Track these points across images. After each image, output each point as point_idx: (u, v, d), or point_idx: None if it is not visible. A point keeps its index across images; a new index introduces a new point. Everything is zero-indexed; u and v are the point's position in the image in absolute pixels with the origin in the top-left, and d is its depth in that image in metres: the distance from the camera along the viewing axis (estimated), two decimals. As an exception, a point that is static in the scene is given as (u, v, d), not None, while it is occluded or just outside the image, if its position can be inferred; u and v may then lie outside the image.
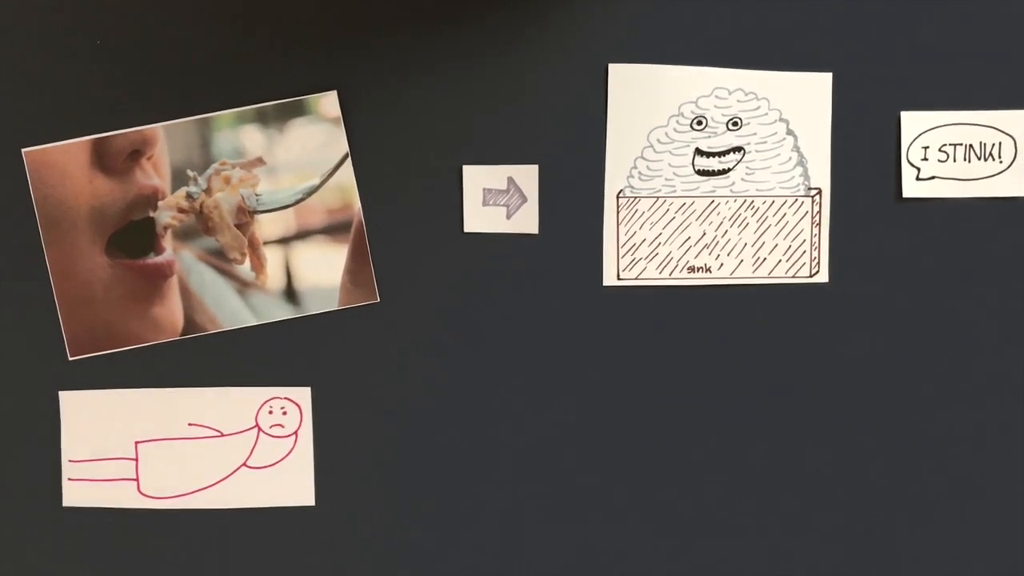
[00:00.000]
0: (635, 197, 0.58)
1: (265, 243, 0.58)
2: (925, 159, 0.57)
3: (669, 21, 0.57)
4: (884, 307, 0.58)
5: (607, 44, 0.57)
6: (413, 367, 0.59)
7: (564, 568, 0.60)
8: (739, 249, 0.58)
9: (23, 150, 0.57)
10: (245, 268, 0.58)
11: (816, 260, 0.58)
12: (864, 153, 0.58)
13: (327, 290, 0.58)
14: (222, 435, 0.59)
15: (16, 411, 0.59)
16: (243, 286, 0.58)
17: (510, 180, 0.58)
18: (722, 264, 0.58)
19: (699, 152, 0.58)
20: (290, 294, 0.58)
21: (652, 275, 0.58)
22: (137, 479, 0.60)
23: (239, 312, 0.58)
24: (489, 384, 0.59)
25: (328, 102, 0.57)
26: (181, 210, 0.58)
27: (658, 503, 0.60)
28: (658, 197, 0.58)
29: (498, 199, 0.58)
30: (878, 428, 0.59)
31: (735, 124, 0.57)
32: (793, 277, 0.58)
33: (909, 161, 0.57)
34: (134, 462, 0.59)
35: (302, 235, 0.58)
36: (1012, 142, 0.57)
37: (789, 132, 0.58)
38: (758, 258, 0.58)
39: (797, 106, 0.57)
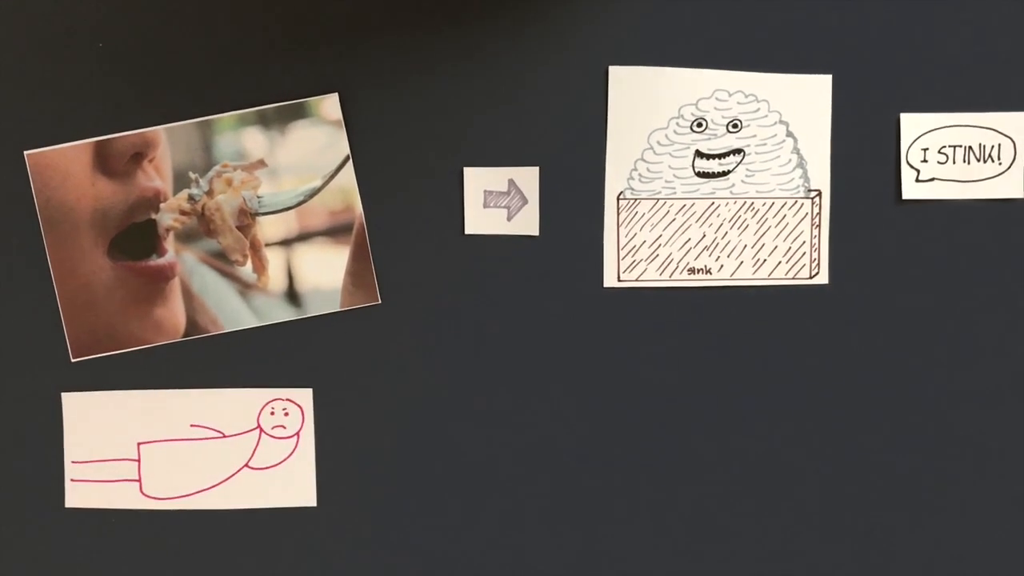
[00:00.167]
0: (635, 199, 0.58)
1: (267, 245, 0.58)
2: (925, 161, 0.58)
3: (669, 23, 0.57)
4: (884, 308, 0.59)
5: (607, 46, 0.57)
6: (414, 368, 0.59)
7: (564, 568, 0.60)
8: (739, 251, 0.58)
9: (25, 152, 0.57)
10: (247, 270, 0.58)
11: (816, 262, 0.58)
12: (864, 155, 0.58)
13: (328, 292, 0.59)
14: (224, 436, 0.60)
15: (19, 412, 0.59)
16: (245, 288, 0.58)
17: (511, 182, 0.58)
18: (722, 266, 0.58)
19: (699, 154, 0.58)
20: (292, 296, 0.59)
21: (652, 277, 0.59)
22: (139, 480, 0.60)
23: (241, 314, 0.59)
24: (490, 385, 0.59)
25: (329, 104, 0.57)
26: (183, 212, 0.58)
27: (658, 504, 0.60)
28: (658, 199, 0.58)
29: (499, 201, 0.58)
30: (878, 429, 0.59)
31: (735, 126, 0.58)
32: (793, 279, 0.59)
33: (909, 163, 0.58)
34: (136, 463, 0.60)
35: (304, 237, 0.58)
36: (1012, 144, 0.57)
37: (789, 134, 0.58)
38: (758, 260, 0.58)
39: (797, 108, 0.57)
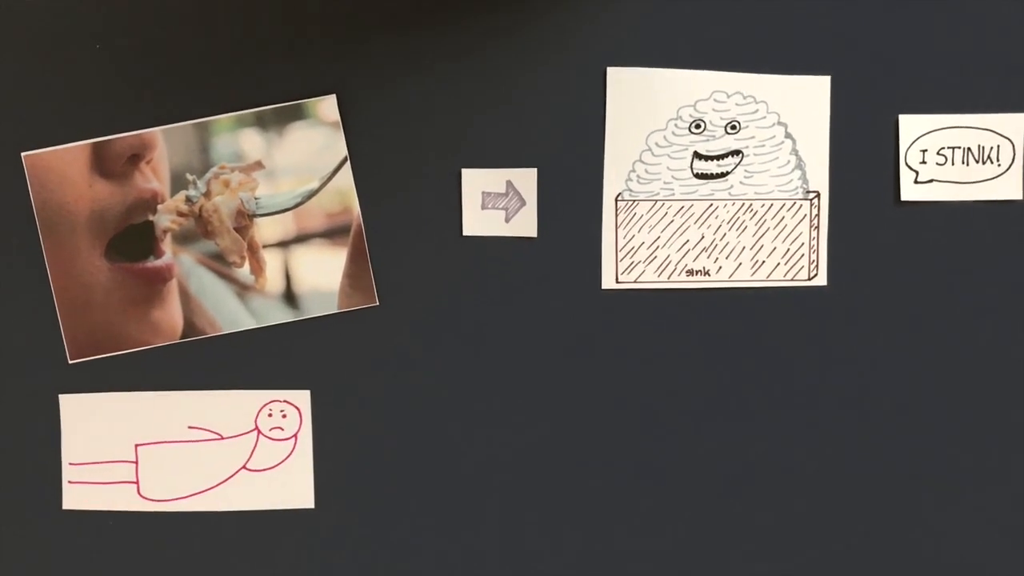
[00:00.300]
0: (633, 200, 0.58)
1: (264, 246, 0.58)
2: (923, 162, 0.57)
3: (667, 25, 0.57)
4: (883, 310, 0.59)
5: (605, 48, 0.57)
6: (412, 370, 0.59)
7: (563, 569, 0.60)
8: (737, 252, 0.58)
9: (22, 154, 0.57)
10: (244, 271, 0.58)
11: (814, 263, 0.58)
12: (862, 156, 0.58)
13: (326, 293, 0.58)
14: (222, 438, 0.60)
15: (16, 414, 0.59)
16: (242, 289, 0.58)
17: (509, 183, 0.58)
18: (720, 267, 0.58)
19: (697, 155, 0.58)
20: (289, 297, 0.59)
21: (651, 278, 0.58)
22: (137, 482, 0.60)
23: (238, 315, 0.59)
24: (488, 387, 0.59)
25: (327, 106, 0.57)
26: (180, 214, 0.58)
27: (657, 504, 0.60)
28: (656, 200, 0.58)
29: (497, 202, 0.58)
30: (877, 430, 0.59)
31: (733, 127, 0.58)
32: (791, 280, 0.59)
33: (907, 164, 0.58)
34: (134, 465, 0.60)
35: (301, 239, 0.58)
36: (1011, 145, 0.57)
37: (787, 135, 0.58)
38: (756, 261, 0.58)
39: (795, 109, 0.57)
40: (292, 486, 0.60)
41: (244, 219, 0.58)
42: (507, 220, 0.58)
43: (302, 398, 0.59)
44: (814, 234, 0.58)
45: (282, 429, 0.59)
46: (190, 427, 0.59)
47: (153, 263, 0.58)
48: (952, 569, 0.60)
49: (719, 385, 0.59)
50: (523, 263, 0.58)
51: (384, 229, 0.58)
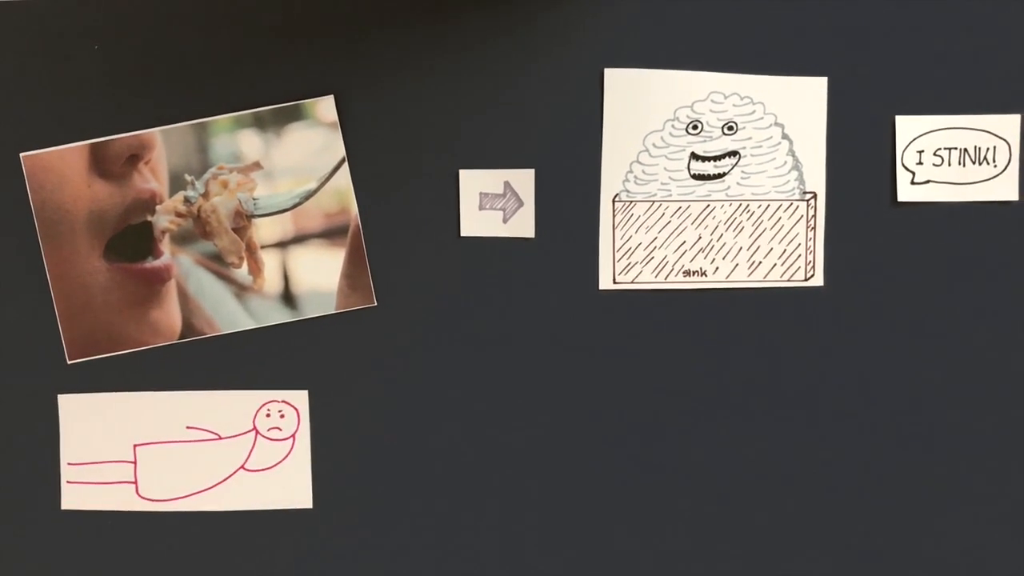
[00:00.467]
0: (631, 201, 0.58)
1: (262, 247, 0.58)
2: (920, 163, 0.58)
3: (665, 26, 0.57)
4: (879, 310, 0.59)
5: (603, 49, 0.57)
6: (410, 370, 0.59)
7: (561, 568, 0.60)
8: (734, 253, 0.58)
9: (21, 155, 0.57)
10: (243, 272, 0.58)
11: (811, 264, 0.58)
12: (859, 157, 0.58)
13: (324, 294, 0.59)
14: (220, 438, 0.60)
15: (15, 414, 0.59)
16: (241, 290, 0.59)
17: (506, 184, 0.58)
18: (717, 268, 0.59)
19: (695, 156, 0.58)
20: (287, 298, 0.59)
21: (648, 279, 0.59)
22: (136, 482, 0.60)
23: (237, 316, 0.59)
24: (486, 387, 0.59)
25: (325, 106, 0.57)
26: (179, 214, 0.58)
27: (654, 504, 0.60)
28: (654, 201, 0.58)
29: (495, 203, 0.58)
30: (873, 430, 0.59)
31: (730, 128, 0.58)
32: (788, 281, 0.59)
33: (904, 165, 0.58)
34: (133, 465, 0.60)
35: (299, 239, 0.58)
36: (1006, 146, 0.57)
37: (784, 136, 0.58)
38: (753, 262, 0.59)
39: (792, 110, 0.57)
40: (290, 486, 0.60)
41: (242, 219, 0.58)
42: (505, 221, 0.58)
43: (300, 398, 0.59)
44: (811, 235, 0.58)
45: (280, 429, 0.60)
46: (188, 427, 0.60)
47: (152, 263, 0.58)
48: (950, 568, 0.60)
49: (716, 385, 0.59)
50: (521, 264, 0.59)
51: (382, 230, 0.58)
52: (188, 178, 0.58)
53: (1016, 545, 0.60)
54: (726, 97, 0.57)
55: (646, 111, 0.57)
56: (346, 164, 0.58)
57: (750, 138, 0.58)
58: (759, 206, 0.58)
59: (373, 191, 0.58)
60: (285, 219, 0.58)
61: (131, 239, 0.58)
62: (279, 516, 0.60)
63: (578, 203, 0.58)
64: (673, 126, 0.58)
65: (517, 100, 0.57)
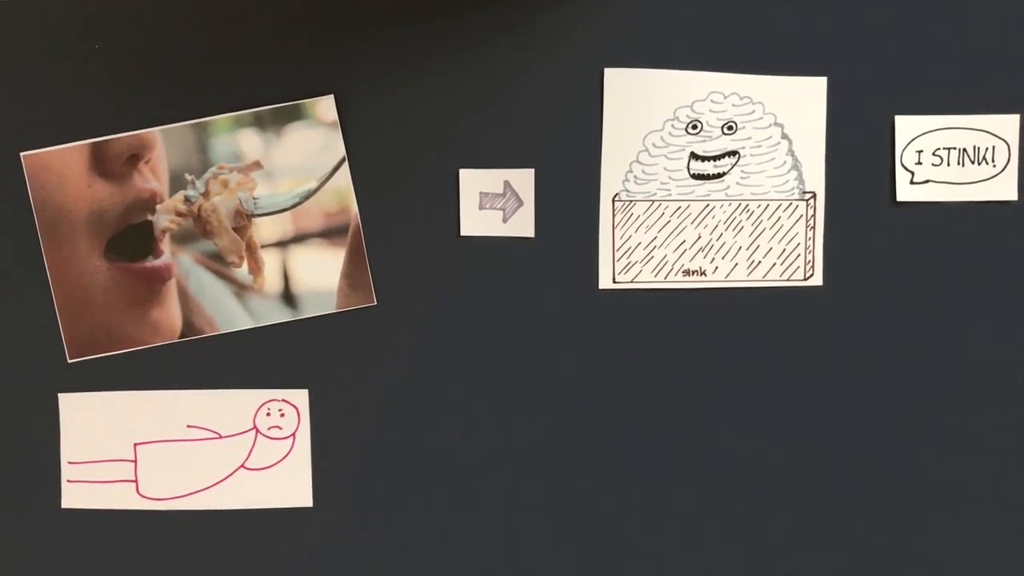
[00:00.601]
0: (630, 201, 0.58)
1: (263, 246, 0.58)
2: (919, 163, 0.58)
3: (664, 26, 0.57)
4: (878, 310, 0.59)
5: (603, 49, 0.57)
6: (410, 370, 0.59)
7: (560, 568, 0.61)
8: (734, 252, 0.59)
9: (22, 154, 0.57)
10: (243, 271, 0.58)
11: (810, 263, 0.59)
12: (859, 157, 0.58)
13: (324, 293, 0.59)
14: (220, 437, 0.60)
15: (16, 413, 0.59)
16: (241, 289, 0.59)
17: (506, 184, 0.58)
18: (717, 267, 0.59)
19: (694, 156, 0.58)
20: (288, 297, 0.59)
21: (647, 278, 0.59)
22: (136, 481, 0.60)
23: (237, 315, 0.59)
24: (485, 386, 0.59)
25: (325, 106, 0.57)
26: (179, 214, 0.58)
27: (653, 504, 0.60)
28: (653, 201, 0.58)
29: (494, 203, 0.58)
30: (872, 429, 0.60)
31: (730, 128, 0.58)
32: (788, 280, 0.59)
33: (903, 165, 0.58)
34: (133, 464, 0.60)
35: (299, 238, 0.58)
36: (1005, 146, 0.58)
37: (784, 136, 0.58)
38: (753, 261, 0.59)
39: (792, 110, 0.57)
40: (290, 485, 0.60)
41: (242, 219, 0.58)
42: (505, 220, 0.58)
43: (300, 397, 0.59)
44: (810, 234, 0.58)
45: (280, 428, 0.60)
46: (189, 426, 0.60)
47: (152, 263, 0.58)
48: (949, 568, 0.60)
49: (715, 384, 0.59)
50: (520, 263, 0.59)
51: (382, 229, 0.58)
52: (188, 177, 0.58)
53: (1016, 545, 0.60)
54: (726, 97, 0.57)
55: (646, 111, 0.57)
56: (346, 164, 0.58)
57: (750, 138, 0.58)
58: (758, 206, 0.58)
59: (373, 191, 0.58)
60: (285, 218, 0.58)
61: (131, 238, 0.58)
62: (279, 515, 0.60)
63: (578, 203, 0.58)
64: (673, 126, 0.58)
65: (517, 100, 0.57)
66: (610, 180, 0.58)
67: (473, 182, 0.58)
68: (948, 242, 0.58)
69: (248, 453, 0.60)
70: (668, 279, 0.59)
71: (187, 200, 0.58)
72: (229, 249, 0.58)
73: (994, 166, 0.58)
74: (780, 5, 0.57)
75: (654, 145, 0.58)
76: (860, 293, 0.59)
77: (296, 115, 0.57)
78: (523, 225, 0.58)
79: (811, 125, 0.58)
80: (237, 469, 0.60)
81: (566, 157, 0.58)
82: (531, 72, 0.57)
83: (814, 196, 0.58)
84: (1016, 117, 0.57)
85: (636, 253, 0.58)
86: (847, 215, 0.58)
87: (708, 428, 0.60)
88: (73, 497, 0.60)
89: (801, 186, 0.58)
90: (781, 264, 0.59)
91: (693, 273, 0.59)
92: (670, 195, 0.58)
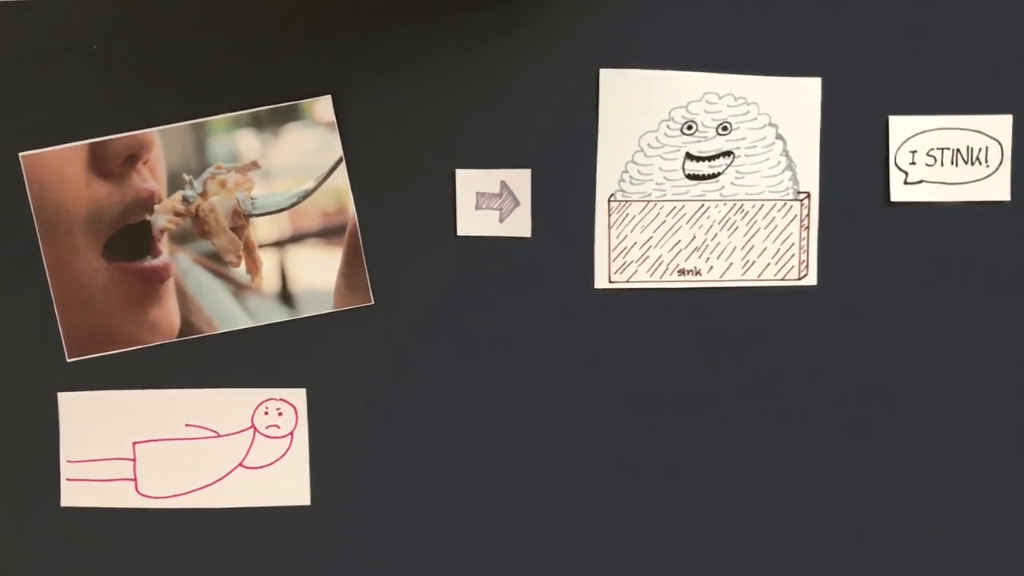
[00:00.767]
0: (626, 201, 0.58)
1: (260, 246, 0.59)
2: (913, 163, 0.58)
3: (660, 27, 0.57)
4: (872, 310, 0.59)
5: (598, 49, 0.57)
6: (407, 369, 0.59)
7: (557, 567, 0.61)
8: (729, 252, 0.59)
9: (20, 154, 0.57)
10: (241, 271, 0.59)
11: (805, 263, 0.59)
12: (852, 157, 0.58)
13: (322, 293, 0.59)
14: (219, 436, 0.60)
15: (15, 412, 0.60)
16: (239, 289, 0.59)
17: (503, 184, 0.58)
18: (712, 267, 0.59)
19: (689, 156, 0.58)
20: (285, 297, 0.59)
21: (643, 278, 0.59)
22: (135, 479, 0.60)
23: (235, 314, 0.59)
24: (482, 386, 0.60)
25: (322, 106, 0.58)
26: (177, 213, 0.58)
27: (649, 503, 0.60)
28: (649, 201, 0.59)
29: (491, 203, 0.58)
30: (867, 429, 0.60)
31: (725, 129, 0.58)
32: (782, 280, 0.59)
33: (897, 165, 0.58)
34: (132, 462, 0.60)
35: (297, 238, 0.59)
36: (999, 146, 0.58)
37: (778, 136, 0.58)
38: (747, 261, 0.59)
39: (786, 111, 0.58)
40: (288, 483, 0.60)
41: (240, 219, 0.58)
42: (501, 220, 0.58)
43: (298, 396, 0.60)
44: (804, 234, 0.59)
45: (278, 427, 0.60)
46: (187, 425, 0.60)
47: (150, 262, 0.58)
48: (945, 566, 0.61)
49: (710, 384, 0.60)
50: (517, 263, 0.59)
51: (379, 229, 0.59)
52: (186, 177, 0.58)
53: (1016, 544, 0.60)
54: (720, 97, 0.58)
55: (641, 111, 0.58)
56: (343, 164, 0.58)
57: (744, 138, 0.58)
58: (753, 206, 0.59)
59: (370, 191, 0.58)
60: (283, 218, 0.58)
61: (130, 238, 0.58)
62: (277, 513, 0.60)
63: (574, 203, 0.59)
64: (668, 126, 0.58)
65: (513, 100, 0.58)
66: (606, 180, 0.58)
67: (470, 182, 0.58)
68: (942, 242, 0.59)
69: (246, 452, 0.60)
70: (663, 279, 0.59)
71: (185, 200, 0.58)
72: (227, 249, 0.59)
73: (987, 166, 0.58)
74: (774, 6, 0.57)
75: (649, 145, 0.58)
76: (854, 293, 0.59)
77: (293, 115, 0.58)
78: (520, 225, 0.59)
79: (805, 125, 0.58)
80: (235, 468, 0.60)
81: (562, 157, 0.58)
82: (527, 73, 0.58)
83: (808, 196, 0.58)
84: (1009, 117, 0.58)
85: (632, 253, 0.59)
86: (841, 215, 0.59)
87: (704, 427, 0.60)
88: (72, 495, 0.60)
89: (795, 186, 0.58)
90: (775, 264, 0.59)
91: (688, 273, 0.59)
92: (665, 195, 0.59)
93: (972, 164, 0.58)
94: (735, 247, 0.59)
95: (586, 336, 0.59)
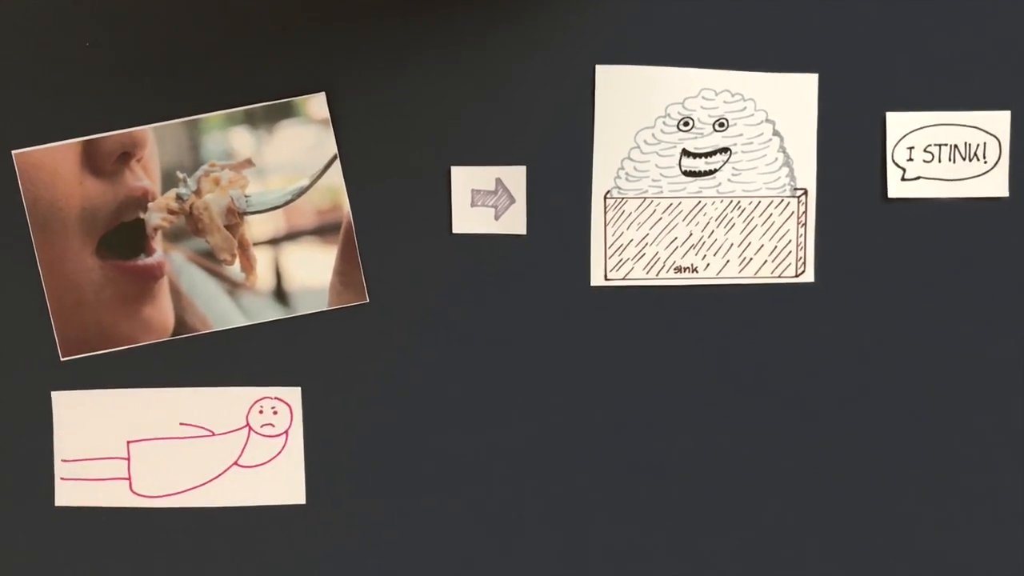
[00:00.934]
0: (622, 198, 0.58)
1: (255, 244, 0.58)
2: (910, 159, 0.58)
3: (656, 23, 0.57)
4: (870, 307, 0.59)
5: (594, 46, 0.57)
6: (402, 367, 0.59)
7: (554, 566, 0.61)
8: (725, 249, 0.59)
9: (13, 152, 0.57)
10: (235, 269, 0.58)
11: (802, 260, 0.59)
12: (850, 154, 0.58)
13: (317, 291, 0.59)
14: (213, 434, 0.60)
15: (8, 411, 0.59)
16: (233, 287, 0.59)
17: (498, 181, 0.58)
18: (708, 264, 0.59)
19: (686, 153, 0.58)
20: (280, 295, 0.59)
21: (639, 275, 0.59)
22: (129, 478, 0.60)
23: (229, 313, 0.59)
24: (478, 384, 0.59)
25: (316, 103, 0.57)
26: (171, 211, 0.58)
27: (646, 501, 0.60)
28: (645, 198, 0.58)
29: (486, 200, 0.58)
30: (865, 426, 0.60)
31: (721, 125, 0.58)
32: (779, 277, 0.59)
33: (894, 161, 0.58)
34: (126, 461, 0.60)
35: (291, 236, 0.58)
36: (996, 142, 0.58)
37: (775, 133, 0.58)
38: (744, 258, 0.59)
39: (783, 107, 0.57)
40: (283, 482, 0.60)
41: (234, 217, 0.58)
42: (496, 218, 0.58)
43: (293, 395, 0.60)
44: (801, 231, 0.58)
45: (273, 426, 0.60)
46: (182, 424, 0.60)
47: (144, 261, 0.58)
48: (942, 565, 0.60)
49: (708, 381, 0.59)
50: (512, 260, 0.59)
51: (374, 226, 0.58)
52: (180, 175, 0.58)
53: (1016, 543, 0.60)
54: (717, 94, 0.57)
55: (638, 108, 0.57)
56: (338, 161, 0.58)
57: (741, 135, 0.58)
58: (750, 202, 0.58)
59: (365, 188, 0.58)
60: (277, 216, 0.58)
61: (123, 236, 0.58)
62: (272, 512, 0.60)
63: (570, 200, 0.58)
64: (664, 123, 0.58)
65: (509, 97, 0.57)
66: (602, 177, 0.58)
67: (465, 179, 0.58)
68: (940, 239, 0.58)
69: (241, 451, 0.60)
70: (660, 276, 0.59)
71: (179, 198, 0.58)
72: (221, 247, 0.58)
73: (985, 162, 0.58)
74: (771, 2, 0.57)
75: (646, 142, 0.58)
76: (851, 290, 0.59)
77: (288, 112, 0.57)
78: (515, 222, 0.58)
79: (802, 122, 0.58)
80: (230, 467, 0.60)
81: (558, 154, 0.58)
82: (523, 69, 0.57)
83: (805, 193, 0.58)
84: (1007, 113, 0.57)
85: (628, 250, 0.59)
86: (838, 212, 0.58)
87: (700, 424, 0.60)
88: (67, 495, 0.60)
89: (792, 183, 0.58)
90: (772, 261, 0.59)
91: (685, 270, 0.59)
92: (662, 192, 0.58)
93: (970, 160, 0.58)
94: (732, 244, 0.59)
95: (582, 334, 0.59)
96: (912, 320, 0.59)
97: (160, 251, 0.58)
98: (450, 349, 0.59)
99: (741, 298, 0.59)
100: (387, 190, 0.58)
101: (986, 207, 0.58)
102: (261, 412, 0.60)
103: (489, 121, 0.58)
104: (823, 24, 0.57)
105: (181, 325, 0.59)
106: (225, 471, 0.60)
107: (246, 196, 0.58)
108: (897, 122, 0.57)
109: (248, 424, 0.60)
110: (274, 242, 0.58)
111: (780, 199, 0.58)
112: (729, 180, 0.58)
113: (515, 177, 0.58)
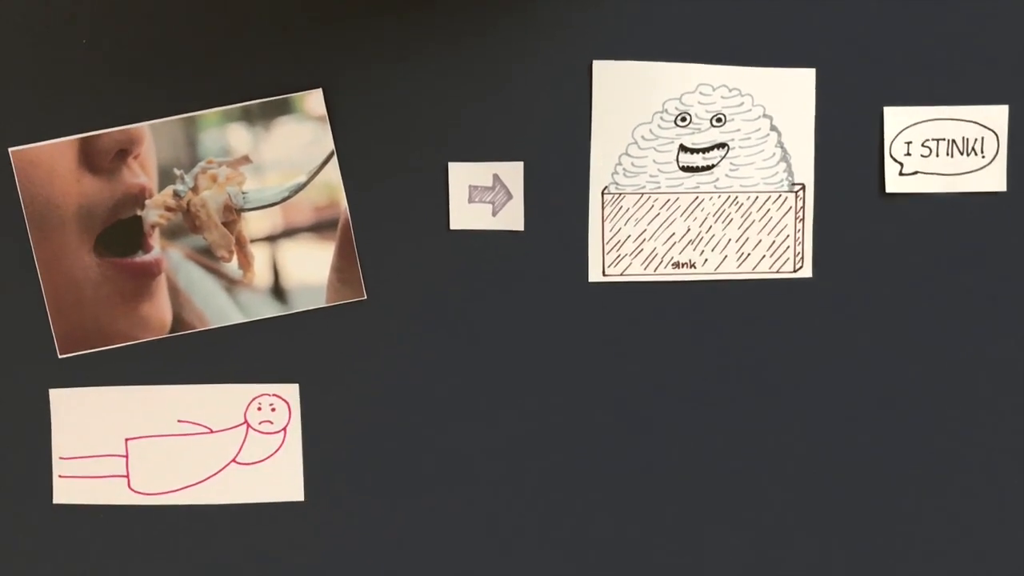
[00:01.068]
0: (620, 193, 0.58)
1: (252, 241, 0.58)
2: (908, 154, 0.58)
3: (653, 18, 0.57)
4: (868, 302, 0.59)
5: (592, 41, 0.57)
6: (400, 364, 0.59)
7: (552, 564, 0.61)
8: (723, 245, 0.59)
9: (10, 149, 0.57)
10: (232, 266, 0.58)
11: (800, 255, 0.59)
12: (847, 148, 0.58)
13: (314, 287, 0.59)
14: (211, 432, 0.60)
15: (6, 409, 0.59)
16: (231, 284, 0.59)
17: (496, 177, 0.58)
18: (706, 260, 0.59)
19: (683, 148, 0.58)
20: (277, 292, 0.59)
21: (637, 271, 0.59)
22: (127, 476, 0.60)
23: (227, 310, 0.59)
24: (476, 380, 0.59)
25: (314, 100, 0.57)
26: (168, 208, 0.58)
27: (644, 497, 0.60)
28: (643, 193, 0.58)
29: (484, 196, 0.58)
30: (861, 422, 0.60)
31: (719, 120, 0.58)
32: (777, 272, 0.59)
33: (892, 156, 0.58)
34: (124, 459, 0.60)
35: (289, 233, 0.58)
36: (994, 137, 0.58)
37: (773, 128, 0.58)
38: (742, 254, 0.59)
39: (781, 102, 0.57)
40: (282, 479, 0.60)
41: (232, 214, 0.58)
42: (494, 214, 0.58)
43: (291, 392, 0.60)
44: (799, 226, 0.58)
45: (271, 423, 0.60)
46: (180, 421, 0.60)
47: (142, 258, 0.58)
48: (942, 565, 0.60)
49: (705, 377, 0.59)
50: (510, 256, 0.59)
51: (371, 223, 0.58)
52: (177, 172, 0.58)
53: (1016, 542, 0.60)
54: (714, 89, 0.57)
55: (635, 103, 0.57)
56: (335, 158, 0.58)
57: (739, 130, 0.58)
58: (748, 198, 0.58)
59: (362, 184, 0.58)
60: (275, 213, 0.58)
61: (121, 234, 0.58)
62: (271, 509, 0.60)
63: (567, 196, 0.58)
64: (662, 118, 0.58)
65: (506, 93, 0.57)
66: (599, 173, 0.58)
67: (462, 175, 0.58)
68: (937, 233, 0.58)
69: (239, 448, 0.60)
70: (658, 272, 0.59)
71: (176, 195, 0.58)
72: (219, 244, 0.58)
73: (983, 157, 0.58)
74: (769, -3, 0.57)
75: (643, 138, 0.58)
76: (849, 285, 0.59)
77: (285, 109, 0.57)
78: (513, 218, 0.58)
79: (800, 117, 0.58)
80: (228, 464, 0.60)
81: (555, 150, 0.58)
82: (520, 65, 0.57)
83: (803, 188, 0.58)
84: (1005, 108, 0.57)
85: (626, 246, 0.58)
86: (836, 207, 0.58)
87: (698, 420, 0.60)
88: (65, 492, 0.60)
89: (790, 178, 0.58)
90: (770, 256, 0.59)
91: (683, 266, 0.59)
92: (659, 188, 0.58)
93: (968, 155, 0.58)
94: (730, 239, 0.58)
95: (580, 330, 0.59)
96: (910, 315, 0.59)
97: (157, 248, 0.58)
98: (448, 345, 0.59)
99: (739, 293, 0.59)
100: (384, 186, 0.58)
101: (984, 202, 0.58)
102: (259, 409, 0.60)
103: (486, 117, 0.58)
104: (820, 19, 0.57)
105: (179, 322, 0.59)
106: (223, 468, 0.60)
107: (243, 193, 0.58)
108: (895, 117, 0.57)
109: (246, 421, 0.60)
110: (271, 239, 0.58)
111: (778, 194, 0.58)
112: (727, 175, 0.58)
113: (513, 173, 0.58)
